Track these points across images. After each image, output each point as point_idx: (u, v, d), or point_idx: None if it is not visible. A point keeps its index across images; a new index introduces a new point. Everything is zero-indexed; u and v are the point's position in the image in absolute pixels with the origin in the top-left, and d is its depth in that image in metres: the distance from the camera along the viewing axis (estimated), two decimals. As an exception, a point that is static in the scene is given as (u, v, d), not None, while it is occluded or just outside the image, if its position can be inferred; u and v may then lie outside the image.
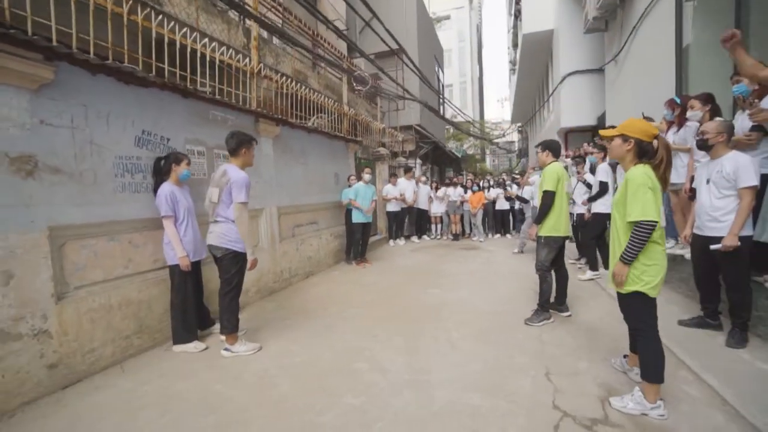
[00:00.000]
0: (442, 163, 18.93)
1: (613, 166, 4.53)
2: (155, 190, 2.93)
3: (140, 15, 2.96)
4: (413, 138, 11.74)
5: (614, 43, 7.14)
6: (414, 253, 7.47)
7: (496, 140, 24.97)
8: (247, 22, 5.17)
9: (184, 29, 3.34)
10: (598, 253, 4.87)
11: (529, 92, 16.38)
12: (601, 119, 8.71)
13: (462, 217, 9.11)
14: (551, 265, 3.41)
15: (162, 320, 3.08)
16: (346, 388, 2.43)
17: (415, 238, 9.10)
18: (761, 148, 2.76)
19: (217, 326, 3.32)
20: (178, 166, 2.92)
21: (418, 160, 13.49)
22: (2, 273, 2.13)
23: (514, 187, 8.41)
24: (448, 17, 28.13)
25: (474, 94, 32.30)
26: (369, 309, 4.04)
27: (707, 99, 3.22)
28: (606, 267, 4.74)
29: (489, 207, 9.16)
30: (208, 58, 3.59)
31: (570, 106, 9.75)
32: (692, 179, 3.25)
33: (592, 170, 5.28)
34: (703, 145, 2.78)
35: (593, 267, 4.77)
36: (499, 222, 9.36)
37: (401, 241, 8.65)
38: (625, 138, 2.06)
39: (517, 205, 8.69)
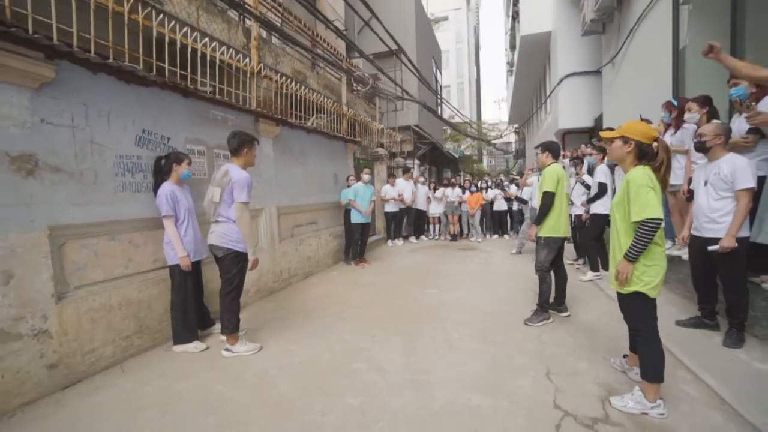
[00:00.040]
0: (439, 164, 18.97)
1: (612, 168, 4.57)
2: (155, 190, 2.92)
3: (141, 14, 2.95)
4: (411, 138, 11.76)
5: (611, 45, 7.20)
6: (412, 254, 7.49)
7: (493, 141, 25.06)
8: (247, 21, 5.17)
9: (185, 28, 3.34)
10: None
11: (526, 93, 16.45)
12: (599, 121, 8.77)
13: (460, 217, 9.14)
14: (551, 265, 3.43)
15: (162, 320, 3.07)
16: (346, 388, 2.44)
17: (413, 239, 9.12)
18: (758, 151, 2.79)
19: (217, 326, 3.31)
20: (179, 165, 2.91)
21: (416, 161, 13.52)
22: (2, 272, 2.12)
23: (513, 187, 8.43)
24: (446, 18, 28.21)
25: (471, 95, 32.41)
26: (368, 309, 4.05)
27: (704, 101, 3.26)
28: (605, 268, 4.78)
29: (487, 208, 9.20)
30: (208, 58, 3.58)
31: (567, 108, 9.81)
32: (690, 181, 3.29)
33: (590, 171, 5.32)
34: (701, 147, 2.82)
35: (594, 268, 4.80)
36: (496, 223, 9.40)
37: (399, 242, 8.66)
38: (625, 140, 2.08)
39: (515, 205, 8.73)
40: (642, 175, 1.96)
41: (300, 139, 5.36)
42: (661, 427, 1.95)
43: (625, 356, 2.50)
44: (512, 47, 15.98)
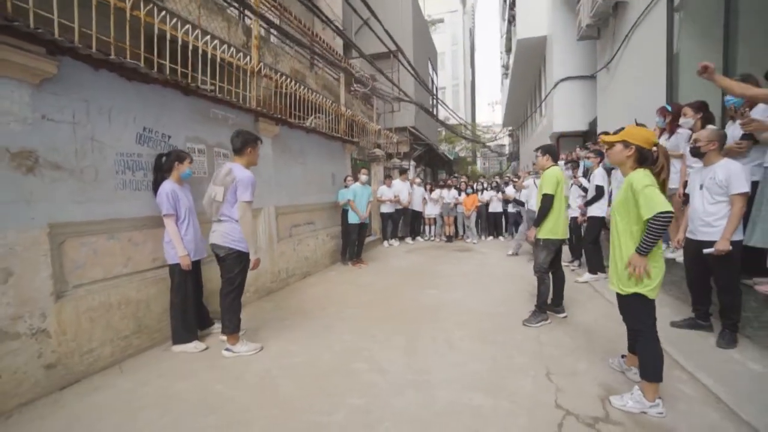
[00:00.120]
0: (434, 165, 19.06)
1: (608, 171, 4.64)
2: (155, 188, 2.90)
3: (143, 10, 2.92)
4: (407, 140, 11.80)
5: (606, 50, 7.31)
6: (408, 254, 7.51)
7: (490, 143, 25.26)
8: (247, 20, 5.15)
9: (187, 26, 3.31)
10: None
11: (521, 96, 16.61)
12: (593, 125, 8.90)
13: (456, 219, 9.19)
14: (549, 267, 3.48)
15: (161, 320, 3.04)
16: (348, 388, 2.44)
17: (409, 240, 9.15)
18: (751, 156, 2.87)
19: (216, 326, 3.29)
20: (181, 164, 2.89)
21: (412, 162, 13.56)
22: (1, 270, 2.08)
23: (511, 189, 8.45)
24: (441, 20, 28.39)
25: (466, 97, 32.63)
26: (366, 309, 4.06)
27: (700, 107, 3.33)
28: (602, 271, 4.85)
29: (482, 209, 9.26)
30: (209, 56, 3.56)
31: (562, 112, 9.93)
32: (685, 184, 3.36)
33: (585, 174, 5.40)
34: (696, 152, 2.89)
35: (591, 270, 4.86)
36: (491, 224, 9.47)
37: (395, 242, 8.68)
38: (626, 144, 2.12)
39: (510, 207, 8.80)
40: (644, 175, 2.00)
41: (299, 139, 5.35)
42: (660, 425, 1.99)
43: (623, 356, 2.55)
44: (508, 50, 16.13)
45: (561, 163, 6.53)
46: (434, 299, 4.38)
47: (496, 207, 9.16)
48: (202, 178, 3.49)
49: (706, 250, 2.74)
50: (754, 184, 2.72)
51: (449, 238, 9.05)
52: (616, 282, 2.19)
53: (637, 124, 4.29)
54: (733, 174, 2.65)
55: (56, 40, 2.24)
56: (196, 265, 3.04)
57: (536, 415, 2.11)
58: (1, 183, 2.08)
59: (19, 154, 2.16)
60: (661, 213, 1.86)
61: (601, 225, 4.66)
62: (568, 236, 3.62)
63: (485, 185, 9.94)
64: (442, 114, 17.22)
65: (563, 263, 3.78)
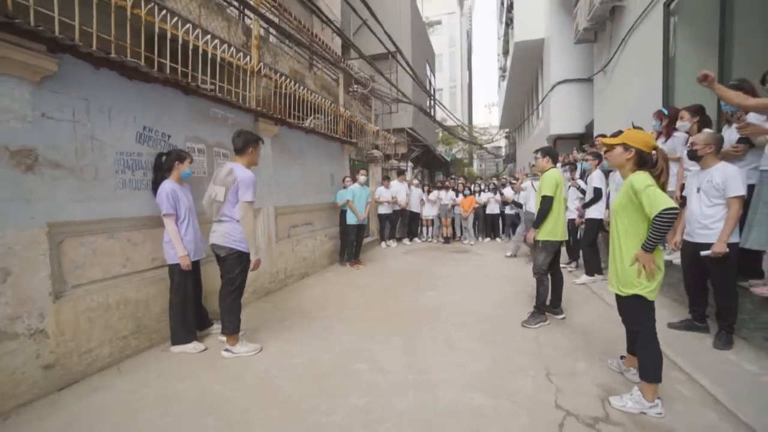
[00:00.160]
0: (432, 167, 19.11)
1: (606, 173, 4.68)
2: (154, 187, 2.88)
3: (143, 9, 2.91)
4: (405, 141, 11.82)
5: (603, 54, 7.38)
6: (406, 256, 7.52)
7: (486, 145, 25.36)
8: (247, 20, 5.14)
9: (187, 25, 3.30)
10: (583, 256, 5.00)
11: (518, 99, 16.71)
12: (589, 127, 8.97)
13: (453, 220, 9.21)
14: (548, 268, 3.50)
15: (159, 320, 3.02)
16: (349, 388, 2.44)
17: (406, 241, 9.16)
18: (747, 159, 2.91)
19: (214, 327, 3.28)
20: (181, 163, 2.88)
21: (410, 163, 13.59)
22: (0, 270, 2.06)
23: (510, 191, 8.46)
24: (439, 22, 28.47)
25: (463, 99, 32.75)
26: (365, 310, 4.06)
27: (697, 111, 3.37)
28: (599, 272, 4.88)
29: (480, 211, 9.29)
30: (209, 56, 3.55)
31: (559, 114, 10.01)
32: (682, 187, 3.40)
33: (581, 175, 5.45)
34: (693, 155, 2.92)
35: (589, 272, 4.90)
36: (489, 226, 9.50)
37: (393, 243, 8.68)
38: (626, 147, 2.15)
39: (507, 209, 8.83)
40: (644, 177, 2.02)
41: (298, 139, 5.34)
42: (659, 426, 2.01)
43: (622, 357, 2.57)
44: (505, 53, 16.22)
45: (558, 165, 6.59)
46: (433, 300, 4.39)
47: (493, 209, 9.19)
48: (201, 178, 3.48)
49: (703, 253, 2.77)
50: (750, 188, 2.76)
51: (447, 240, 9.07)
52: (615, 283, 2.21)
53: (635, 127, 4.36)
54: (729, 177, 2.69)
55: (57, 37, 2.22)
56: (196, 265, 3.02)
57: (537, 415, 2.12)
58: (1, 181, 2.06)
59: (19, 152, 2.14)
60: (667, 209, 1.87)
61: (598, 227, 4.69)
62: (567, 238, 3.64)
63: (483, 187, 9.99)
64: (439, 115, 17.27)
65: (560, 265, 3.80)
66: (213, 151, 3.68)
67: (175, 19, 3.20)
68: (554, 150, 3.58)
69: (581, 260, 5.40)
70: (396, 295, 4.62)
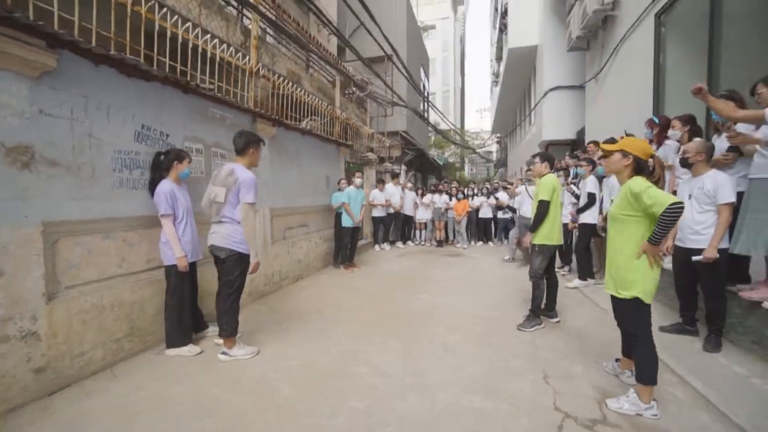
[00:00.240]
0: (425, 171, 19.21)
1: (599, 179, 4.77)
2: (151, 187, 2.84)
3: (144, 6, 2.88)
4: (399, 144, 11.88)
5: (595, 62, 7.54)
6: (400, 259, 7.53)
7: (478, 149, 25.62)
8: (246, 21, 5.12)
9: (187, 24, 3.28)
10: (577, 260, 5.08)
11: (511, 104, 16.93)
12: (581, 134, 9.14)
13: (446, 224, 9.27)
14: (544, 272, 3.55)
15: (154, 322, 2.96)
16: (348, 391, 2.43)
17: (399, 244, 9.18)
18: (736, 168, 3.00)
19: (210, 330, 3.24)
20: (180, 163, 2.85)
21: (403, 166, 13.64)
22: (-7, 270, 2.00)
23: (505, 195, 8.52)
24: (433, 27, 28.72)
25: (456, 103, 33.03)
26: (361, 313, 4.05)
27: (688, 120, 3.48)
28: (591, 277, 4.96)
29: (473, 215, 9.36)
30: (208, 55, 3.52)
31: (551, 120, 10.17)
32: (674, 194, 3.49)
33: (573, 178, 5.55)
34: (685, 163, 3.01)
35: (582, 276, 4.97)
36: (481, 230, 9.58)
37: (387, 246, 8.69)
38: (625, 154, 2.20)
39: (500, 213, 8.92)
40: (643, 180, 2.09)
41: (295, 141, 5.32)
42: (655, 427, 2.05)
43: (617, 360, 2.62)
44: (498, 58, 16.44)
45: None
46: (428, 303, 4.41)
47: (486, 213, 9.28)
48: (199, 178, 3.44)
49: (695, 258, 2.85)
50: (740, 195, 2.85)
51: (440, 243, 9.11)
52: (612, 286, 2.25)
53: (627, 135, 4.47)
54: (720, 185, 2.77)
55: (57, 33, 2.18)
56: (193, 266, 2.98)
57: (536, 417, 2.15)
58: (-4, 179, 2.01)
59: (15, 148, 2.09)
60: (674, 204, 1.91)
61: (592, 232, 4.78)
62: (562, 242, 3.70)
63: (476, 191, 10.07)
64: (432, 119, 17.39)
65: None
66: (211, 152, 3.65)
67: (175, 17, 3.16)
68: (552, 155, 3.64)
69: (574, 264, 5.49)
70: (391, 298, 4.63)
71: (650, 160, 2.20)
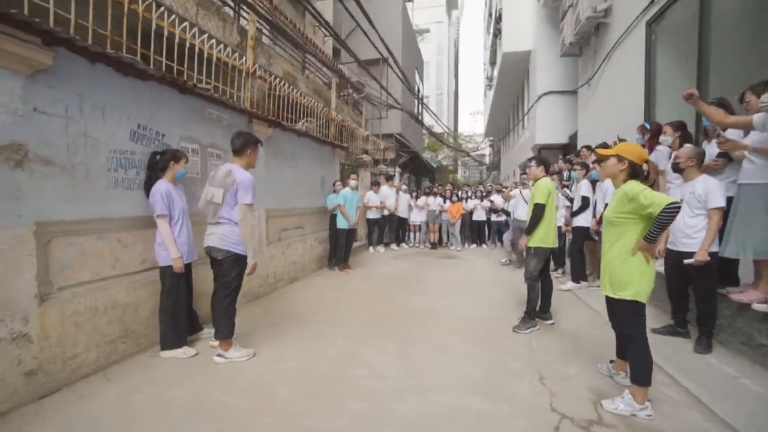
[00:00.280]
0: (419, 173, 19.27)
1: (593, 183, 4.84)
2: (147, 187, 2.81)
3: (141, 5, 2.85)
4: (394, 146, 11.90)
5: (588, 67, 7.66)
6: (395, 261, 7.54)
7: (472, 153, 25.80)
8: (242, 21, 5.10)
9: (184, 24, 3.25)
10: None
11: (504, 108, 17.10)
12: (573, 138, 9.26)
13: (440, 226, 9.31)
14: (539, 274, 3.58)
15: (148, 324, 2.92)
16: (346, 393, 2.43)
17: (394, 246, 9.19)
18: (726, 173, 3.08)
19: (204, 332, 3.20)
20: (176, 163, 2.82)
21: (398, 169, 13.67)
22: (-16, 271, 1.96)
23: (500, 199, 8.58)
24: (428, 30, 28.91)
25: (449, 106, 33.27)
26: (357, 315, 4.05)
27: (679, 126, 3.55)
28: (583, 279, 5.03)
29: (466, 217, 9.42)
30: (205, 55, 3.50)
31: (544, 124, 10.30)
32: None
33: (566, 183, 5.63)
34: (676, 168, 3.08)
35: (575, 279, 5.03)
36: (475, 232, 9.64)
37: (381, 248, 8.70)
38: (620, 158, 2.24)
39: (493, 216, 8.98)
40: (637, 183, 2.13)
41: (291, 142, 5.30)
42: (650, 427, 2.08)
43: (611, 362, 2.65)
44: (492, 63, 16.60)
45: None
46: (424, 305, 4.42)
47: (480, 215, 9.34)
48: (194, 179, 3.41)
49: (686, 261, 2.91)
50: (729, 200, 2.91)
51: (434, 245, 9.15)
52: (609, 287, 2.29)
53: (620, 140, 4.55)
54: (710, 189, 2.84)
55: (52, 30, 2.14)
56: (188, 268, 2.95)
57: (534, 418, 2.16)
58: (-12, 177, 1.97)
59: (8, 147, 2.05)
60: (671, 204, 1.95)
61: (585, 235, 4.84)
62: (557, 245, 3.74)
63: (470, 194, 10.14)
64: (426, 122, 17.48)
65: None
66: (207, 152, 3.62)
67: (173, 17, 3.14)
68: (547, 159, 3.69)
69: (567, 267, 5.55)
70: (387, 300, 4.63)
71: (645, 164, 2.24)
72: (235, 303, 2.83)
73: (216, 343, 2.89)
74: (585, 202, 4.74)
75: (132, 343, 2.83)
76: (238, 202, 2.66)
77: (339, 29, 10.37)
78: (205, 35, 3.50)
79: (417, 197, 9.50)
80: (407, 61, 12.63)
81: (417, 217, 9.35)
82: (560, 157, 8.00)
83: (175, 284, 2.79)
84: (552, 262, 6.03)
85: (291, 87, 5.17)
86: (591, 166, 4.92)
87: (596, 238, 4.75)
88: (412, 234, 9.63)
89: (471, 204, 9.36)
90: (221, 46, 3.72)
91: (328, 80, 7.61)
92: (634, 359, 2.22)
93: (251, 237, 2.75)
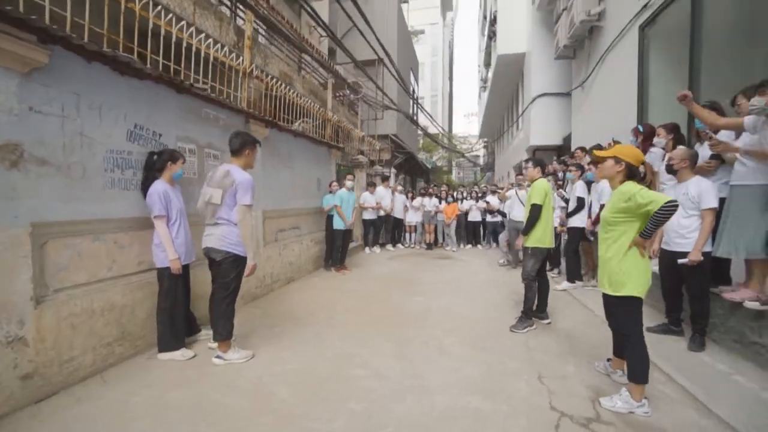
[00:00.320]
0: (414, 174, 19.32)
1: (588, 184, 4.90)
2: (143, 187, 2.78)
3: (138, 3, 2.82)
4: (389, 147, 11.92)
5: (582, 70, 7.76)
6: (391, 261, 7.55)
7: (467, 153, 25.93)
8: (239, 21, 5.07)
9: (181, 23, 3.23)
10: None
11: (499, 109, 17.21)
12: (567, 140, 9.36)
13: (436, 227, 9.35)
14: (536, 274, 3.62)
15: (145, 326, 2.89)
16: (345, 394, 2.43)
17: (390, 246, 9.20)
18: (719, 175, 3.14)
19: (203, 333, 3.17)
20: (174, 164, 2.79)
21: (393, 170, 13.70)
22: (-21, 273, 1.92)
23: (496, 200, 8.62)
24: (422, 32, 29.02)
25: (444, 108, 33.41)
26: (355, 315, 4.04)
27: (672, 128, 3.61)
28: (578, 279, 5.08)
29: (462, 218, 9.47)
30: (202, 54, 3.48)
31: (539, 126, 10.40)
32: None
33: (561, 184, 5.69)
34: (670, 169, 3.14)
35: (570, 279, 5.08)
36: (470, 233, 9.69)
37: (377, 249, 8.70)
38: (617, 160, 2.28)
39: (488, 217, 9.04)
40: (634, 184, 2.17)
41: (287, 143, 5.29)
42: (647, 424, 2.11)
43: (608, 360, 2.69)
44: (487, 65, 16.71)
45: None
46: (421, 305, 4.43)
47: (475, 216, 9.40)
48: (191, 179, 3.38)
49: (680, 260, 2.96)
50: (722, 201, 2.97)
51: (429, 246, 9.18)
52: (607, 285, 2.32)
53: (615, 142, 4.61)
54: (703, 191, 2.89)
55: (49, 27, 2.11)
56: (185, 269, 2.92)
57: (534, 417, 2.18)
58: (-17, 178, 1.94)
59: (4, 147, 2.01)
60: (669, 202, 1.99)
61: (581, 235, 4.90)
62: (554, 245, 3.78)
63: (465, 194, 10.19)
64: (421, 123, 17.53)
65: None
66: (204, 152, 3.59)
67: (170, 15, 3.12)
68: (543, 161, 3.73)
69: (563, 267, 5.61)
70: (384, 301, 4.63)
71: (641, 166, 2.28)
72: (233, 304, 2.82)
73: (214, 344, 2.87)
74: (580, 203, 4.79)
75: (129, 346, 2.80)
76: (237, 202, 2.65)
77: (334, 30, 10.38)
78: (203, 35, 3.48)
79: (413, 198, 9.53)
80: (403, 63, 12.67)
81: (413, 218, 9.38)
82: (554, 159, 8.07)
83: (173, 285, 2.77)
84: (548, 263, 6.12)
85: (287, 87, 5.16)
86: (586, 167, 4.98)
87: (591, 238, 4.80)
88: (407, 235, 9.65)
89: (466, 205, 9.41)
90: (218, 45, 3.70)
91: (324, 81, 7.60)
92: (632, 358, 2.25)
93: (251, 238, 2.73)
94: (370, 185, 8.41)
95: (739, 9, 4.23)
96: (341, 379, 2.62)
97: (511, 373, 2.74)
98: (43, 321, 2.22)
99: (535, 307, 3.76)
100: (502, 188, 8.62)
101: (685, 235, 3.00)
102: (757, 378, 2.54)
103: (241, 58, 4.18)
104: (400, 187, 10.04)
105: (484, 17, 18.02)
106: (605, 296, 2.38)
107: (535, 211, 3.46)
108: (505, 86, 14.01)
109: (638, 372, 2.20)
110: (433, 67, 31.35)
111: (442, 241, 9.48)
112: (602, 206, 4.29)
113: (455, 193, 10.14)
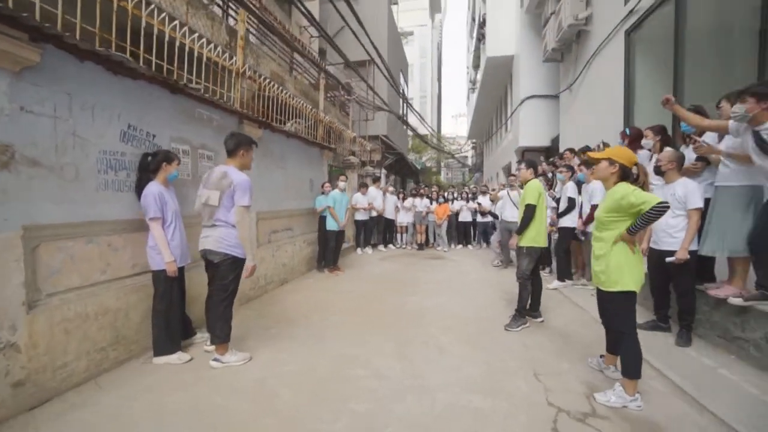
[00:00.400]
0: (404, 174, 19.39)
1: (578, 184, 5.02)
2: (138, 189, 2.73)
3: (130, 2, 2.77)
4: (380, 148, 11.95)
5: (569, 73, 7.92)
6: (383, 262, 7.57)
7: (456, 154, 26.13)
8: (231, 20, 5.02)
9: (174, 22, 3.18)
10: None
11: (487, 111, 17.40)
12: (555, 141, 9.55)
13: (427, 227, 9.41)
14: (531, 273, 3.68)
15: (139, 330, 2.84)
16: (346, 395, 2.43)
17: (381, 247, 9.21)
18: (704, 176, 3.26)
19: (198, 336, 3.14)
20: (169, 165, 2.75)
21: (384, 170, 13.72)
22: (-31, 277, 1.86)
23: (487, 201, 8.73)
24: (411, 33, 29.16)
25: (433, 109, 33.61)
26: (351, 316, 4.05)
27: (660, 130, 3.73)
28: (569, 278, 5.20)
29: (453, 218, 9.55)
30: (195, 54, 3.43)
31: (527, 128, 10.56)
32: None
33: (550, 184, 5.80)
34: (658, 170, 3.24)
35: (560, 278, 5.19)
36: (461, 233, 9.79)
37: (369, 250, 8.71)
38: (611, 162, 2.35)
39: (479, 217, 9.16)
40: (626, 185, 2.25)
41: (280, 143, 5.25)
42: (641, 417, 2.19)
43: (601, 356, 2.76)
44: (476, 66, 16.88)
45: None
46: (416, 305, 4.47)
47: (466, 216, 9.49)
48: (185, 180, 3.34)
49: (668, 259, 3.06)
50: (707, 201, 3.09)
51: (421, 246, 9.23)
52: (603, 283, 2.38)
53: (604, 145, 4.74)
54: (690, 191, 3.00)
55: (40, 25, 2.06)
56: (181, 271, 2.88)
57: (532, 413, 2.23)
58: (-27, 180, 1.88)
59: (-5, 148, 1.96)
60: (660, 203, 2.07)
61: (572, 235, 5.01)
62: (547, 244, 3.86)
63: (456, 195, 10.29)
64: (412, 124, 17.61)
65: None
66: (198, 153, 3.55)
67: (163, 15, 3.07)
68: (536, 162, 3.80)
69: (554, 266, 5.71)
70: (379, 301, 4.65)
71: (634, 167, 2.36)
72: (231, 307, 2.79)
73: (211, 347, 2.84)
74: (571, 203, 4.90)
75: (123, 350, 2.74)
76: (234, 203, 2.63)
77: (325, 29, 10.35)
78: (195, 34, 3.44)
79: (404, 198, 9.57)
80: (393, 64, 12.71)
81: (404, 219, 9.41)
82: (542, 159, 8.22)
83: (169, 288, 2.73)
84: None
85: (280, 88, 5.12)
86: (576, 168, 5.09)
87: (582, 238, 4.92)
88: (399, 235, 9.69)
89: (457, 205, 9.50)
90: (211, 45, 3.66)
91: (315, 81, 7.57)
92: (626, 354, 2.32)
93: (249, 239, 2.72)
94: (362, 186, 8.41)
95: (720, 16, 4.40)
96: (341, 380, 2.63)
97: (509, 371, 2.79)
98: (36, 326, 2.16)
99: (528, 306, 3.84)
100: (493, 189, 8.73)
101: (672, 234, 3.10)
102: (740, 371, 2.65)
103: (234, 58, 4.14)
104: (391, 188, 10.07)
105: (473, 19, 18.22)
106: (599, 293, 2.45)
107: (530, 212, 3.53)
108: (494, 88, 14.18)
109: (632, 368, 2.27)
110: (422, 69, 31.55)
111: (433, 241, 9.55)
112: (593, 206, 4.40)
113: (446, 194, 10.22)
